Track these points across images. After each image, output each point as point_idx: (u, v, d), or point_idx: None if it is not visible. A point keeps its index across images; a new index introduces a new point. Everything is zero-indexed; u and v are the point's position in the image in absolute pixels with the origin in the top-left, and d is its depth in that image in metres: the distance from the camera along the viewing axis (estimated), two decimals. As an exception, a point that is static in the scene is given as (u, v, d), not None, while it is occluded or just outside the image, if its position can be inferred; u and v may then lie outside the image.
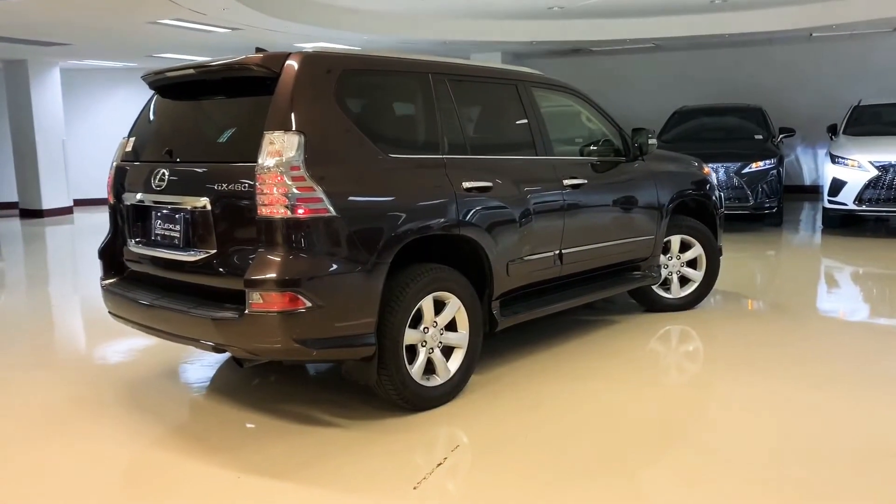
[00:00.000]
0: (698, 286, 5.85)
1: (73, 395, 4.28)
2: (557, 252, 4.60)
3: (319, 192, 3.32)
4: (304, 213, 3.30)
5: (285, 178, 3.27)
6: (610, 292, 5.19)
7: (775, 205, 10.02)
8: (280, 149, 3.29)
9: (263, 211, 3.29)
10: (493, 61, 4.34)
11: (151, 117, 4.17)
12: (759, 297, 6.60)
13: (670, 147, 10.49)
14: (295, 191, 3.27)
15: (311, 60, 3.54)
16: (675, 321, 5.63)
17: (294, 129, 3.33)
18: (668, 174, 5.61)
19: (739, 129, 11.20)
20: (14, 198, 14.83)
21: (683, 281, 5.86)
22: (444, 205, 3.83)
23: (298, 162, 3.30)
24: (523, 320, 4.43)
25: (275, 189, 3.26)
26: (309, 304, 3.30)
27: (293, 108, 3.37)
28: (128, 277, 4.16)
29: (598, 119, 5.24)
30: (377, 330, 3.55)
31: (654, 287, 5.69)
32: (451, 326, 3.97)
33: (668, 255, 5.75)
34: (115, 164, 4.20)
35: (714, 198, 5.95)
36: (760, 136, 10.77)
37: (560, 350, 4.87)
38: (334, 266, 3.37)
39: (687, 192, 5.72)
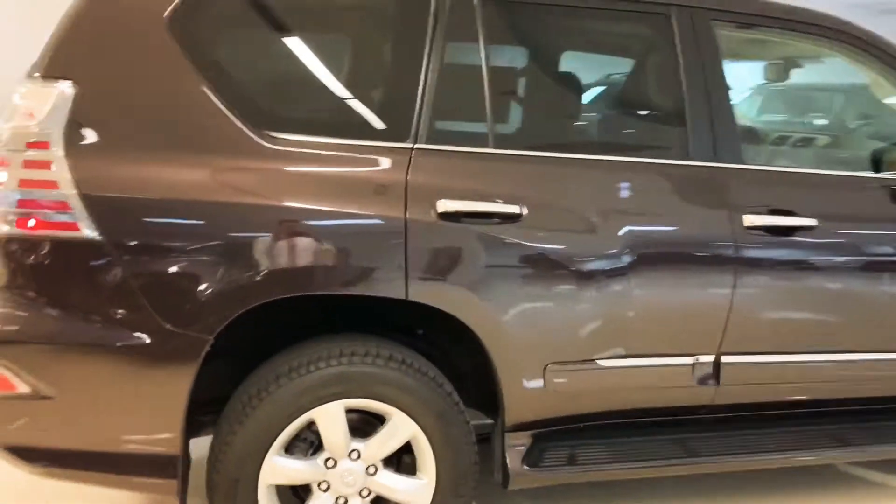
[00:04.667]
0: None
1: None
2: (711, 358, 2.24)
3: (68, 192, 1.82)
4: (35, 227, 1.84)
5: (11, 161, 1.84)
6: (868, 453, 2.47)
7: None
8: (30, 108, 1.88)
9: None
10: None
11: None
12: None
13: None
14: (18, 186, 1.83)
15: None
16: None
17: (56, 74, 1.88)
18: None
19: None
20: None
21: None
22: (377, 237, 1.97)
23: (49, 134, 1.84)
24: (580, 480, 2.23)
25: None
26: (26, 388, 1.86)
27: (67, 40, 1.92)
28: None
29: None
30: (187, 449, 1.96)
31: None
32: (403, 461, 2.11)
33: None
34: None
35: None
36: None
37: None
38: (84, 330, 1.85)
39: None
